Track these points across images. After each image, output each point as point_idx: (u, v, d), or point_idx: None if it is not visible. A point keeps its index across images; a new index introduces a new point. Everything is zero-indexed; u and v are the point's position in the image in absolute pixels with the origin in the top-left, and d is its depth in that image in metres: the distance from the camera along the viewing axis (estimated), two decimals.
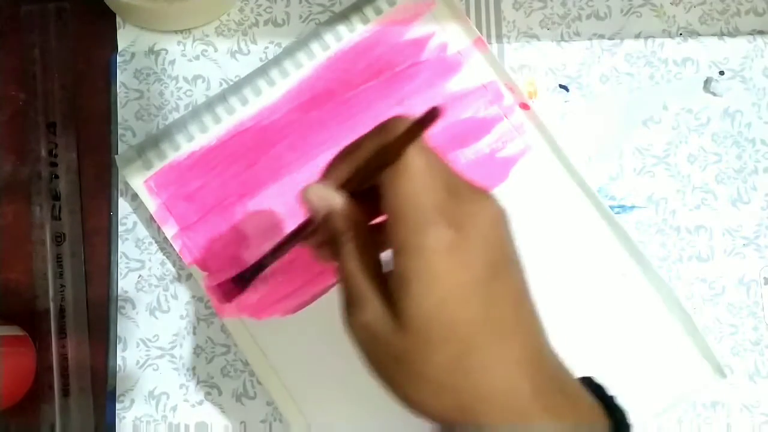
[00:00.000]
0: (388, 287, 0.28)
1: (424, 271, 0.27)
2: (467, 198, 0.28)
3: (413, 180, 0.27)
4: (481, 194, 0.29)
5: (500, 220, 0.29)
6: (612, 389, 0.31)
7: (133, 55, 0.44)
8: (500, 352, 0.27)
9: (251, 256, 0.41)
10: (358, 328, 0.29)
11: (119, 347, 0.42)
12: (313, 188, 0.30)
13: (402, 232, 0.27)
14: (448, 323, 0.27)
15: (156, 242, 0.43)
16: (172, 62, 0.44)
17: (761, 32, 0.45)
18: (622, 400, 0.30)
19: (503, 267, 0.28)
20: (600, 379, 0.31)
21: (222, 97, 0.43)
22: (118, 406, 0.42)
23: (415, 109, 0.43)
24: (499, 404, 0.27)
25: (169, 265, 0.43)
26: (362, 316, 0.28)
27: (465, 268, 0.27)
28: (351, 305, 0.29)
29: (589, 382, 0.31)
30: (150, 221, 0.43)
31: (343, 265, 0.29)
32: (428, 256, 0.27)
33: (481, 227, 0.28)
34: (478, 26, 0.44)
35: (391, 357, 0.28)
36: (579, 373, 0.30)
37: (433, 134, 0.42)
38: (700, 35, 0.45)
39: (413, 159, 0.27)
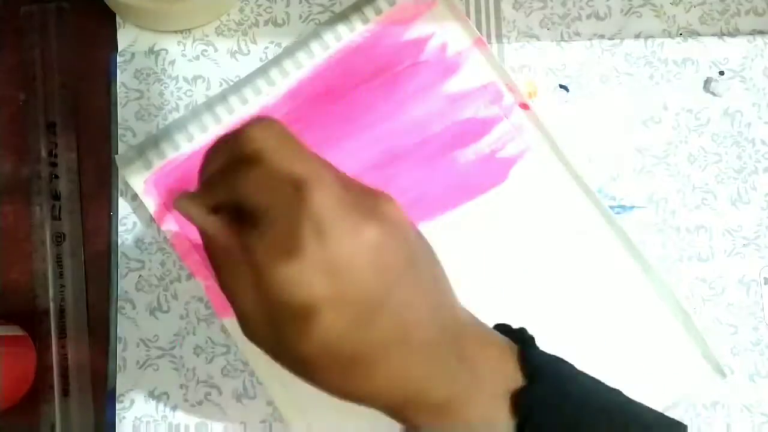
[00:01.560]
0: None
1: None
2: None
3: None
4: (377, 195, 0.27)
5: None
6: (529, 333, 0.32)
7: (133, 55, 0.44)
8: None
9: None
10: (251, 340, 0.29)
11: (119, 347, 0.42)
12: (182, 202, 0.28)
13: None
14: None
15: (156, 242, 0.43)
16: (172, 62, 0.44)
17: (761, 32, 0.45)
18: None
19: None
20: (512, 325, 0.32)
21: (222, 97, 0.43)
22: (118, 406, 0.42)
23: (416, 110, 0.43)
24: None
25: (169, 265, 0.43)
26: (255, 332, 0.28)
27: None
28: (240, 320, 0.28)
29: (503, 328, 0.32)
30: (150, 221, 0.43)
31: (225, 283, 0.28)
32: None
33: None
34: (478, 26, 0.44)
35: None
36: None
37: (432, 134, 0.43)
38: (700, 35, 0.45)
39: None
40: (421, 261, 0.28)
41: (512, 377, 0.29)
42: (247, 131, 0.27)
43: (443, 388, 0.28)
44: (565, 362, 0.31)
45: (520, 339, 0.31)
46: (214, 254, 0.28)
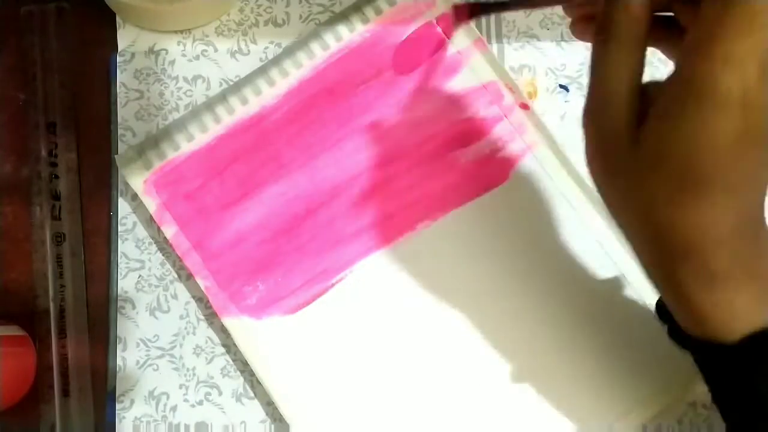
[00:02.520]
0: (644, 101, 0.28)
1: (711, 101, 0.25)
2: None
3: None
4: None
5: None
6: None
7: (133, 55, 0.44)
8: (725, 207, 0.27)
9: (251, 255, 0.41)
10: (588, 129, 0.29)
11: (119, 347, 0.42)
12: None
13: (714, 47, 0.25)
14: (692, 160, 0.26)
15: (156, 242, 0.43)
16: (172, 62, 0.44)
17: None
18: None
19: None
20: None
21: (222, 97, 0.43)
22: (118, 406, 0.42)
23: (416, 109, 0.43)
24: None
25: (169, 265, 0.43)
26: (599, 119, 0.29)
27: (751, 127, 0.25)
28: (592, 103, 0.29)
29: None
30: (150, 221, 0.43)
31: (602, 60, 0.28)
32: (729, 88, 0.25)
33: None
34: (478, 26, 0.44)
35: (619, 172, 0.29)
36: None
37: (432, 134, 0.43)
38: None
39: None
40: None
41: None
42: None
43: (735, 253, 0.27)
44: None
45: None
46: (616, 24, 0.28)
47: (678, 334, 0.30)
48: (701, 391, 0.41)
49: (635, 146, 0.28)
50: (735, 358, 0.28)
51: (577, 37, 0.32)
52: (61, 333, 0.42)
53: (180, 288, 0.43)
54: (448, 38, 0.43)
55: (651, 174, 0.27)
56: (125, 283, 0.43)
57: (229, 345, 0.42)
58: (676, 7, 0.29)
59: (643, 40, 0.28)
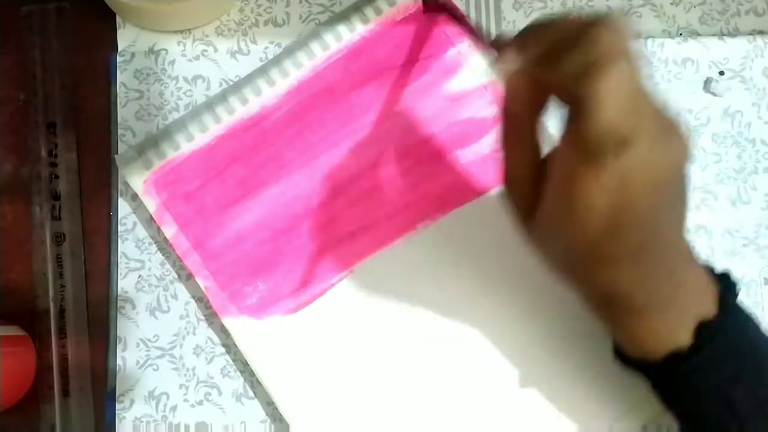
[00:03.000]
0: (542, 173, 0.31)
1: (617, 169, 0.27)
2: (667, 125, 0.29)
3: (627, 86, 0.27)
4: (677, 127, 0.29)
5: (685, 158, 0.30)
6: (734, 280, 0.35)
7: (133, 55, 0.44)
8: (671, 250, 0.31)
9: (251, 255, 0.41)
10: (504, 202, 0.33)
11: (119, 347, 0.42)
12: (502, 60, 0.30)
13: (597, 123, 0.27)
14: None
15: (156, 242, 0.43)
16: (172, 62, 0.44)
17: (761, 32, 0.45)
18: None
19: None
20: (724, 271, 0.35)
21: (222, 97, 0.43)
22: (118, 406, 0.42)
23: (416, 109, 0.43)
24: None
25: (169, 265, 0.43)
26: (508, 196, 0.33)
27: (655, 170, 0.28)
28: (502, 182, 0.33)
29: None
30: (150, 221, 0.43)
31: (502, 146, 0.32)
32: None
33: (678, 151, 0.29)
34: (478, 26, 0.44)
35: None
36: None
37: (432, 134, 0.43)
38: (700, 35, 0.45)
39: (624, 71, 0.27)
40: (683, 196, 0.31)
41: (706, 304, 0.32)
42: (597, 35, 0.27)
43: (647, 294, 0.31)
44: (755, 319, 0.34)
45: (722, 278, 0.34)
46: (507, 113, 0.32)
47: (621, 356, 0.35)
48: None
49: (535, 221, 0.32)
50: (660, 373, 0.33)
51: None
52: (61, 333, 0.42)
53: (180, 288, 0.43)
54: (450, 38, 0.43)
55: (552, 254, 0.33)
56: (125, 283, 0.43)
57: (229, 345, 0.42)
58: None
59: (531, 130, 0.32)
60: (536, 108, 0.31)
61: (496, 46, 0.33)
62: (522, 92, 0.31)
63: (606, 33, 0.27)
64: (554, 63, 0.28)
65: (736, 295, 0.34)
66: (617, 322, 0.33)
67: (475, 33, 0.40)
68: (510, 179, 0.33)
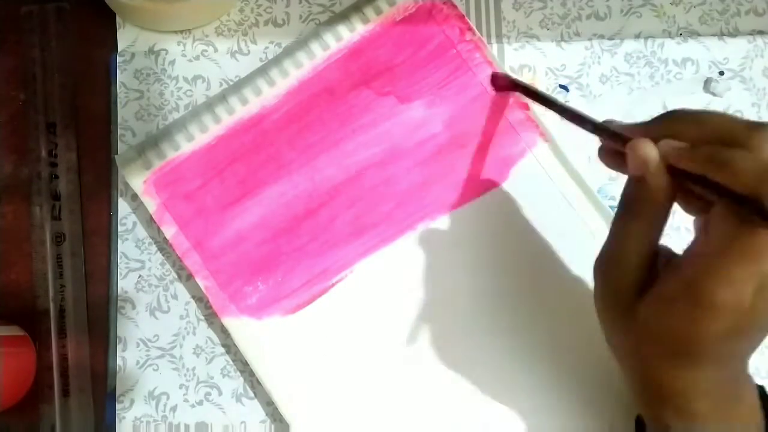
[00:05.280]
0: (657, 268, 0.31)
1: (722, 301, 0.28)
2: None
3: None
4: None
5: None
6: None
7: (133, 55, 0.44)
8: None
9: (251, 255, 0.41)
10: (598, 277, 0.33)
11: (119, 347, 0.42)
12: (648, 148, 0.30)
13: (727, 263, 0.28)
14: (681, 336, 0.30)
15: (156, 242, 0.43)
16: (172, 62, 0.44)
17: (761, 32, 0.45)
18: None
19: None
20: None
21: (222, 97, 0.43)
22: (118, 406, 0.42)
23: (416, 109, 0.43)
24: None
25: (169, 265, 0.43)
26: (609, 273, 0.32)
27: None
28: (606, 256, 0.32)
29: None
30: (150, 221, 0.43)
31: (622, 229, 0.32)
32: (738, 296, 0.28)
33: None
34: (478, 26, 0.44)
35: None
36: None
37: (432, 134, 0.43)
38: (700, 35, 0.45)
39: None
40: None
41: (755, 420, 0.32)
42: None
43: (712, 401, 0.31)
44: None
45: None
46: (640, 200, 0.31)
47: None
48: None
49: (634, 310, 0.31)
50: None
51: (603, 163, 0.35)
52: (61, 333, 0.42)
53: (180, 288, 0.43)
54: (450, 39, 0.43)
55: (644, 338, 0.31)
56: (125, 283, 0.43)
57: (229, 345, 0.42)
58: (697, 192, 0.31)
59: (662, 219, 0.31)
60: (674, 197, 0.31)
61: (606, 133, 0.33)
62: (665, 182, 0.30)
63: None
64: (724, 162, 0.28)
65: None
66: (667, 419, 0.32)
67: (563, 108, 0.38)
68: (619, 260, 0.32)
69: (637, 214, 0.31)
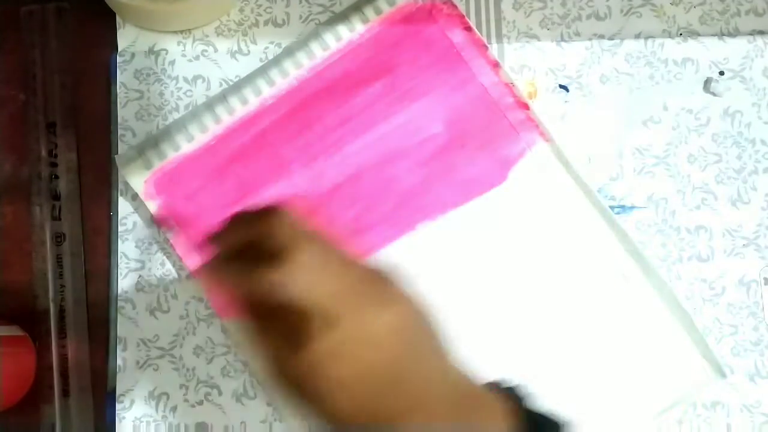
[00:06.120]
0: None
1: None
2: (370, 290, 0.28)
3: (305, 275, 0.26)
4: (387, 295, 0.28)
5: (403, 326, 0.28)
6: (524, 390, 0.31)
7: (133, 55, 0.44)
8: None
9: None
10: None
11: (119, 347, 0.42)
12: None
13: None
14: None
15: (156, 242, 0.43)
16: (172, 62, 0.44)
17: (761, 32, 0.45)
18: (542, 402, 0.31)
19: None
20: (509, 382, 0.32)
21: (222, 97, 0.43)
22: (118, 406, 0.42)
23: (416, 110, 0.43)
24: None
25: (169, 265, 0.43)
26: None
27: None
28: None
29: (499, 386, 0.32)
30: (150, 221, 0.43)
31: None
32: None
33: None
34: (478, 26, 0.44)
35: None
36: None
37: (432, 134, 0.43)
38: (700, 35, 0.45)
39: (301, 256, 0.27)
40: (427, 330, 0.29)
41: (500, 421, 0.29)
42: (268, 227, 0.28)
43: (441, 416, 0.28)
44: (558, 422, 0.31)
45: (516, 396, 0.31)
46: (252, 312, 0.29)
47: None
48: (701, 391, 0.41)
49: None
50: None
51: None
52: (61, 333, 0.42)
53: (180, 288, 0.43)
54: (450, 39, 0.43)
55: None
56: (125, 283, 0.43)
57: (229, 345, 0.42)
58: None
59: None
60: None
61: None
62: None
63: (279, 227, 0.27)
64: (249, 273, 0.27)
65: (531, 411, 0.31)
66: None
67: None
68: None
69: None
